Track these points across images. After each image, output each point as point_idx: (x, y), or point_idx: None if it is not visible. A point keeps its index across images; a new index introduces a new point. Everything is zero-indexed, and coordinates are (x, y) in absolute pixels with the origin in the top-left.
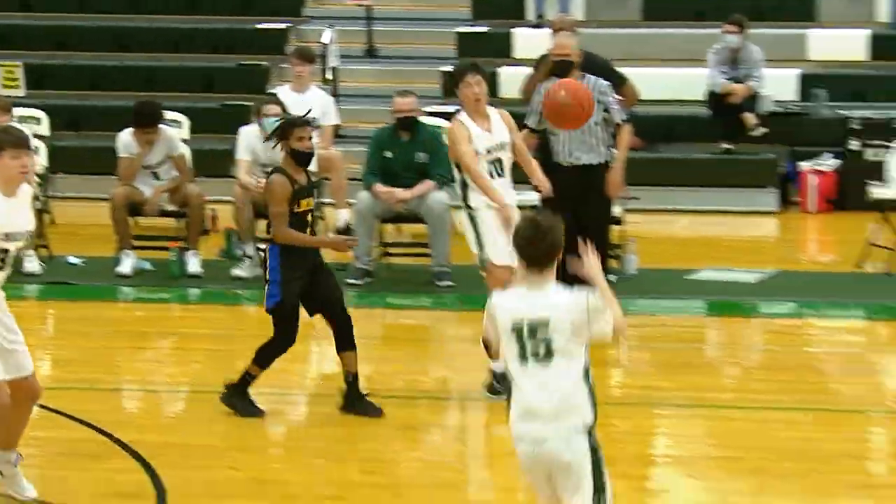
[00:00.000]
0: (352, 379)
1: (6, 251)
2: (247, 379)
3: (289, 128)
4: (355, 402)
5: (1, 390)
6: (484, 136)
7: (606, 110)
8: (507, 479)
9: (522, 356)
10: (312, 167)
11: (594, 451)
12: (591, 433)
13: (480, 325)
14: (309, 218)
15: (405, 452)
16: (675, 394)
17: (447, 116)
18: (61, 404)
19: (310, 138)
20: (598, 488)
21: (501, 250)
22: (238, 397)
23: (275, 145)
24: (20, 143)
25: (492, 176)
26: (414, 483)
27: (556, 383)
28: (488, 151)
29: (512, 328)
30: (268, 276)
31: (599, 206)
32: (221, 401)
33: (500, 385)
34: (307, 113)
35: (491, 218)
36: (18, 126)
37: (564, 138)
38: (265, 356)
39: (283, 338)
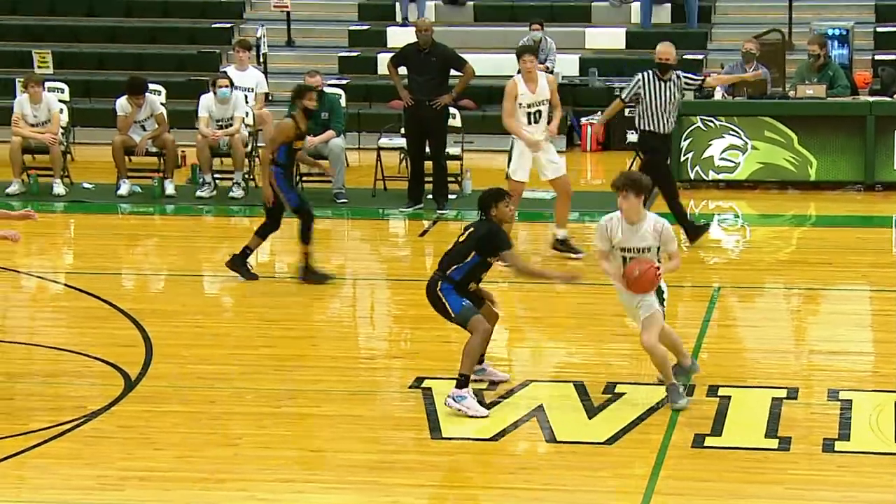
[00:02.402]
0: (305, 261)
1: None
2: (246, 252)
3: (304, 91)
4: (309, 275)
5: None
6: (528, 94)
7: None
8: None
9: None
10: (249, 122)
11: None
12: None
13: (367, 230)
14: (298, 154)
15: (318, 312)
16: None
17: (343, 87)
18: (79, 284)
19: (316, 99)
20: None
21: (522, 170)
22: (240, 265)
23: (292, 103)
24: None
25: (529, 122)
26: (321, 334)
27: None
28: (529, 105)
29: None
30: (280, 190)
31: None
32: (227, 265)
33: (563, 245)
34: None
35: (520, 147)
36: (47, 94)
37: (662, 112)
38: (262, 233)
39: (273, 224)
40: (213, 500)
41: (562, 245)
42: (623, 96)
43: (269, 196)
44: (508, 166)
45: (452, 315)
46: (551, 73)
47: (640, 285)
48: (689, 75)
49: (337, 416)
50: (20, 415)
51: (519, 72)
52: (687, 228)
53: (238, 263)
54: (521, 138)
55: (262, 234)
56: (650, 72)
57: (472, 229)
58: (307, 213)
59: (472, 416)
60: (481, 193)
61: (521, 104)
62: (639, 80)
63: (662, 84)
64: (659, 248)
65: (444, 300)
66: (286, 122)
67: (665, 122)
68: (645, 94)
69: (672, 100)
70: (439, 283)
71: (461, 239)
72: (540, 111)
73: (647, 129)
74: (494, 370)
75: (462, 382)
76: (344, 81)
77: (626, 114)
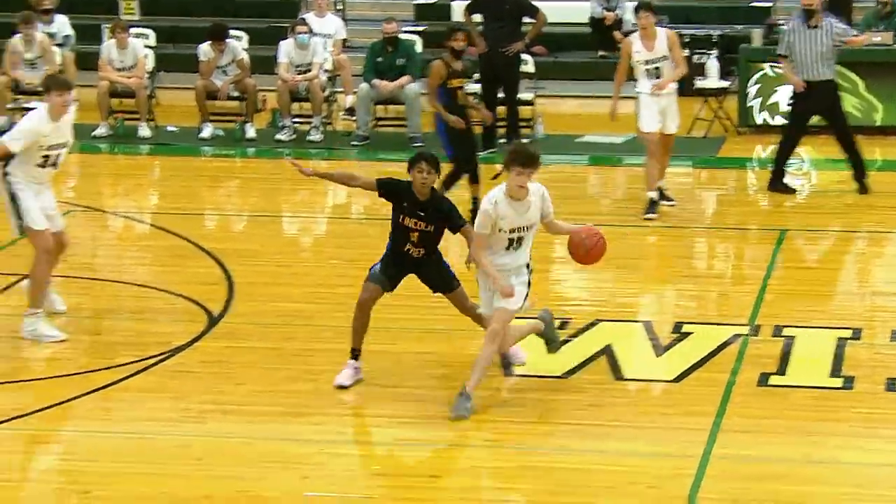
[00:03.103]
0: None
1: (56, 156)
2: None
3: (451, 33)
4: None
5: (48, 238)
6: (644, 52)
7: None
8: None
9: None
10: (328, 67)
11: None
12: None
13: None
14: (458, 93)
15: None
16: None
17: (419, 34)
18: (164, 224)
19: (464, 40)
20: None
21: (647, 121)
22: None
23: (441, 45)
24: (64, 85)
25: (649, 77)
26: None
27: None
28: (647, 62)
29: None
30: (441, 139)
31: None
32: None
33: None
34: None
35: (644, 98)
36: (133, 40)
37: (812, 61)
38: (447, 183)
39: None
40: (291, 432)
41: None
42: (781, 52)
43: (456, 120)
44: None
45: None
46: (621, 20)
47: (594, 256)
48: (841, 29)
49: (411, 352)
50: (107, 350)
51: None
52: (855, 169)
53: None
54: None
55: (465, 179)
56: (798, 20)
57: None
58: (462, 164)
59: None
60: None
61: (638, 61)
62: (787, 29)
63: (810, 31)
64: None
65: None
66: (435, 63)
67: (815, 70)
68: (794, 43)
69: (821, 47)
70: None
71: None
72: (659, 67)
73: (805, 78)
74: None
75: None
76: (420, 28)
77: (695, 60)
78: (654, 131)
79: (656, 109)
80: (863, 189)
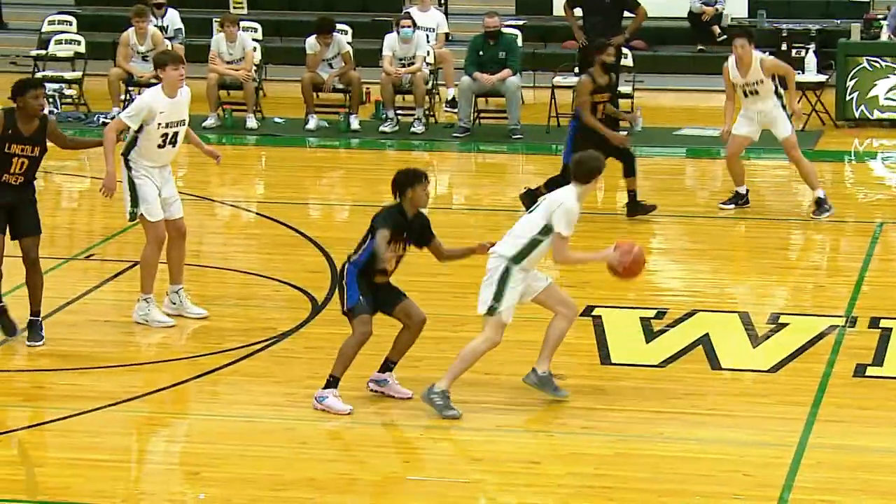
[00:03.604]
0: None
1: (174, 134)
2: (632, 195)
3: (602, 47)
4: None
5: (161, 228)
6: (739, 78)
7: None
8: None
9: None
10: (431, 60)
11: None
12: None
13: (541, 164)
14: (601, 107)
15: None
16: (663, 208)
17: (520, 28)
18: (270, 213)
19: (614, 54)
20: None
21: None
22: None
23: (591, 59)
24: (178, 59)
25: (745, 96)
26: None
27: None
28: (743, 86)
29: None
30: (567, 145)
31: None
32: None
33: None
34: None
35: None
36: (242, 34)
37: None
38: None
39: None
40: (393, 417)
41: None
42: None
43: (618, 138)
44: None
45: (345, 306)
46: (720, 14)
47: (630, 273)
48: None
49: (510, 340)
50: (215, 335)
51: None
52: None
53: (638, 208)
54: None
55: (629, 172)
56: None
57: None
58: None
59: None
60: (396, 174)
61: (734, 84)
62: None
63: None
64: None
65: (345, 286)
66: (583, 78)
67: None
68: None
69: None
70: (345, 266)
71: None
72: (756, 91)
73: None
74: (398, 386)
75: (330, 383)
76: (521, 22)
77: (794, 54)
78: (739, 134)
79: (751, 119)
80: None
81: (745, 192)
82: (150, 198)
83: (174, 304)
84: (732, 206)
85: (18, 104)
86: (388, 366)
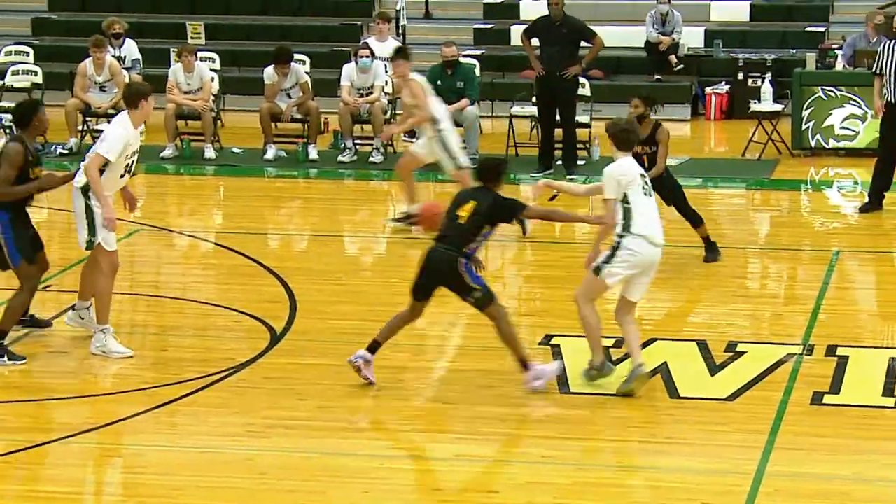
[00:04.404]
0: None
1: (132, 163)
2: None
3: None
4: None
5: (116, 256)
6: None
7: None
8: None
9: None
10: (389, 90)
11: None
12: None
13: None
14: (645, 158)
15: None
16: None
17: (477, 58)
18: (228, 243)
19: (639, 105)
20: None
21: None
22: None
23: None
24: (151, 91)
25: None
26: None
27: None
28: None
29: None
30: None
31: None
32: None
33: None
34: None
35: None
36: (200, 64)
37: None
38: None
39: None
40: (352, 447)
41: None
42: (875, 70)
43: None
44: None
45: (476, 290)
46: (677, 44)
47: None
48: None
49: (469, 370)
50: (173, 365)
51: None
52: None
53: None
54: None
55: None
56: (892, 41)
57: (475, 203)
58: None
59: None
60: (483, 161)
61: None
62: (879, 50)
63: None
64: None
65: (465, 276)
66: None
67: None
68: (886, 63)
69: None
70: (459, 260)
71: (464, 214)
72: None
73: (890, 99)
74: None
75: (525, 365)
76: (478, 52)
77: (750, 84)
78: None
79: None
80: None
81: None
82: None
83: (82, 318)
84: (402, 224)
85: (34, 124)
86: (375, 347)
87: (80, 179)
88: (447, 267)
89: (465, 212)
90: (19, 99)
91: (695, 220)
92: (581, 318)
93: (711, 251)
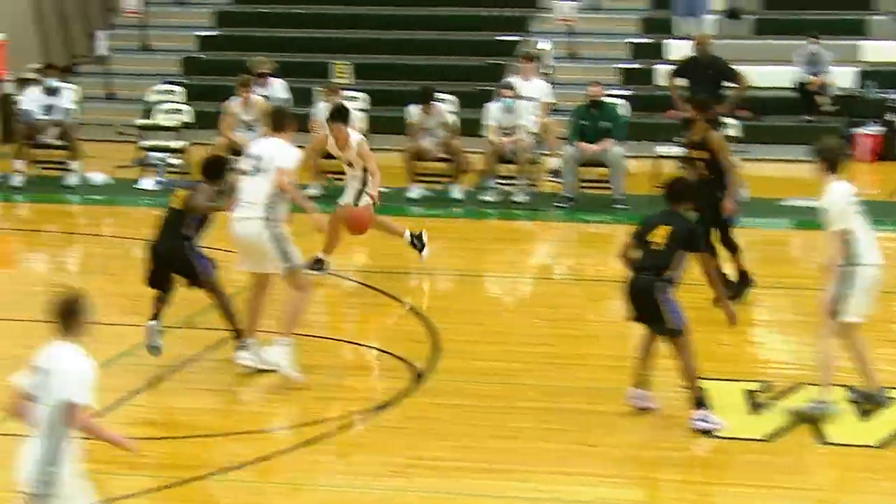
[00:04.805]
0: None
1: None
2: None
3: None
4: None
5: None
6: None
7: None
8: None
9: None
10: (534, 129)
11: None
12: None
13: None
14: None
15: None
16: (767, 279)
17: (623, 97)
18: (371, 281)
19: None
20: None
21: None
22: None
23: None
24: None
25: None
26: (601, 333)
27: None
28: None
29: None
30: None
31: None
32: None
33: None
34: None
35: None
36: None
37: None
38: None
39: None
40: (495, 489)
41: None
42: None
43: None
44: None
45: (672, 325)
46: (826, 84)
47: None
48: None
49: (613, 413)
50: (315, 404)
51: None
52: None
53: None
54: None
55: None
56: None
57: (670, 228)
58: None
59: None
60: (674, 182)
61: None
62: None
63: None
64: None
65: (663, 306)
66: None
67: None
68: None
69: None
70: (657, 285)
71: (657, 240)
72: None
73: None
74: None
75: (699, 402)
76: (624, 92)
77: None
78: None
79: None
80: None
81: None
82: (294, 246)
83: (258, 356)
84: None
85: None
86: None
87: (257, 213)
88: (646, 295)
89: (659, 238)
90: (167, 137)
91: (733, 249)
92: (849, 350)
93: (741, 286)
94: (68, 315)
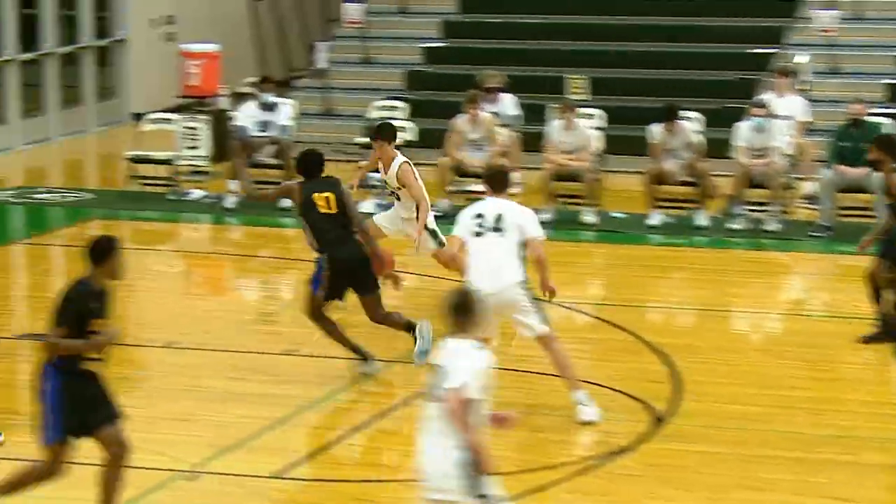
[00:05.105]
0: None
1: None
2: None
3: None
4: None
5: None
6: None
7: None
8: None
9: None
10: (789, 151)
11: None
12: None
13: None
14: None
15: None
16: None
17: (890, 115)
18: (607, 315)
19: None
20: None
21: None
22: None
23: None
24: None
25: None
26: (861, 378)
27: None
28: None
29: None
30: None
31: None
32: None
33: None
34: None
35: None
36: (580, 122)
37: None
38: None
39: None
40: None
41: None
42: None
43: None
44: None
45: None
46: None
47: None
48: None
49: (876, 464)
50: (545, 447)
51: None
52: None
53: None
54: None
55: None
56: None
57: None
58: None
59: None
60: None
61: None
62: None
63: None
64: None
65: None
66: None
67: None
68: None
69: None
70: None
71: None
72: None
73: None
74: None
75: None
76: (890, 110)
77: None
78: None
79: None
80: None
81: None
82: None
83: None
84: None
85: None
86: None
87: (518, 275)
88: None
89: None
90: None
91: None
92: None
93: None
94: (463, 311)
